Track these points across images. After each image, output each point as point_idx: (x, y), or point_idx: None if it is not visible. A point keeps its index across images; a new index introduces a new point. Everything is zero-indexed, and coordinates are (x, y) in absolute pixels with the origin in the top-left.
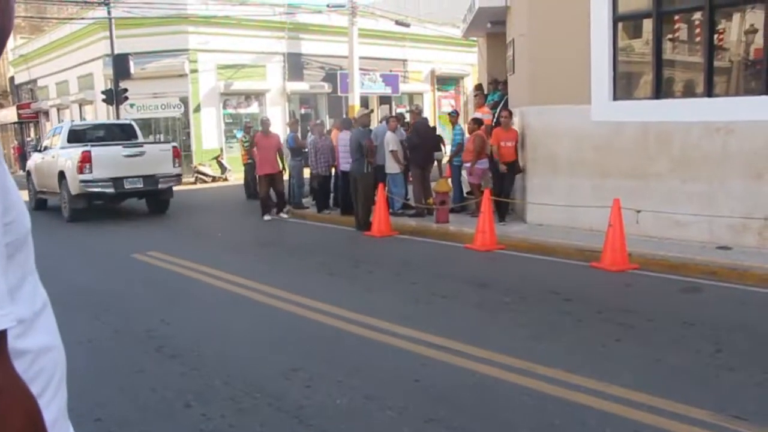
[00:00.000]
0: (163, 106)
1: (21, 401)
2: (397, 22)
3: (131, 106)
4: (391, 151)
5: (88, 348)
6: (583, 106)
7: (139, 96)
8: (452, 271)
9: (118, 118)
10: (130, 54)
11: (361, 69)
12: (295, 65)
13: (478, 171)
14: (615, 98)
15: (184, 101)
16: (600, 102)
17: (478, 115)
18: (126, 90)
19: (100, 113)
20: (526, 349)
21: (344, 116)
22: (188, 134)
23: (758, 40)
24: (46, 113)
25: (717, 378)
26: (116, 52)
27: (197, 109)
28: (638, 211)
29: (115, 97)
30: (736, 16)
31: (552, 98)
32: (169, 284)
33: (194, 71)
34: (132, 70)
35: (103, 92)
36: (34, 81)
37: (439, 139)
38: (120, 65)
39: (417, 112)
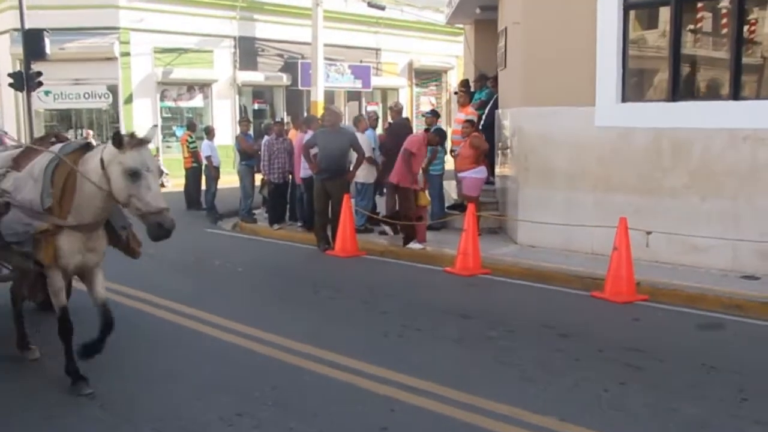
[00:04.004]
0: (87, 95)
1: None
2: (370, 4)
3: (46, 93)
4: (366, 157)
5: None
6: (585, 108)
7: (56, 82)
8: (428, 299)
9: (29, 106)
10: (45, 30)
11: (326, 58)
12: (248, 52)
13: (477, 182)
14: (624, 100)
15: (113, 90)
16: (606, 104)
17: (461, 115)
18: (40, 74)
19: (5, 100)
20: (514, 393)
21: (306, 114)
22: (117, 129)
23: None
24: None
25: None
26: (27, 26)
27: (129, 100)
28: (648, 233)
29: (25, 81)
30: None
31: (549, 98)
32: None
33: (126, 54)
34: (48, 49)
35: (9, 75)
36: None
37: None
38: (32, 43)
39: (397, 111)
